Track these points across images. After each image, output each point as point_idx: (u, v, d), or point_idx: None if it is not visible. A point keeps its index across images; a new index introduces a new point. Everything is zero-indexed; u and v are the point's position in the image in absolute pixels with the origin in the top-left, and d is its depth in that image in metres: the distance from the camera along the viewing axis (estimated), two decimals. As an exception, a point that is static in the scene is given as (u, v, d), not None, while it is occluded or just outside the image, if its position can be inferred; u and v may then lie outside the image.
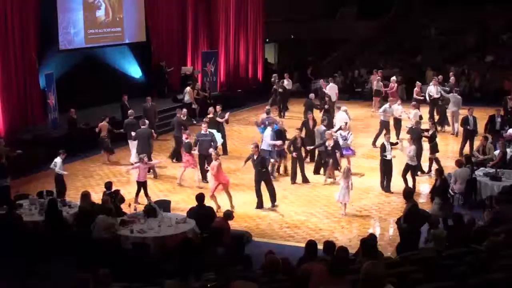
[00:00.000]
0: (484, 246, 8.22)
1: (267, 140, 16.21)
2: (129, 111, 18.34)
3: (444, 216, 11.88)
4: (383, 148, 15.07)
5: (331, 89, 23.19)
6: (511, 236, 8.58)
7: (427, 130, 16.78)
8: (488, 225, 10.06)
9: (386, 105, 19.85)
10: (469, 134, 18.00)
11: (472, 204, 13.82)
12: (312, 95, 21.51)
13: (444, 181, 12.83)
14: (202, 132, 16.22)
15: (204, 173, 15.83)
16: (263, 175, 14.15)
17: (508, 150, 15.59)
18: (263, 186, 14.16)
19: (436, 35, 31.67)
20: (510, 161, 15.30)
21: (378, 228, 13.34)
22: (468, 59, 29.36)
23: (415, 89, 22.43)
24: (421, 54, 30.59)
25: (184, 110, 18.89)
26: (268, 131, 16.37)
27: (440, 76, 23.53)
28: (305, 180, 15.97)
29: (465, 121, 18.14)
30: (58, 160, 14.57)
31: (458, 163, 14.27)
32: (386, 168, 15.11)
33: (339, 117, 18.51)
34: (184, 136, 16.36)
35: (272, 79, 25.32)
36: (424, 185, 15.76)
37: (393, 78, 24.69)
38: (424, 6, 33.45)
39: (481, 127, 18.73)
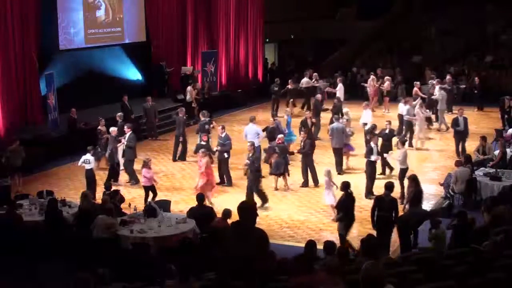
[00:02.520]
0: (484, 246, 8.22)
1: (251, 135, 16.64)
2: (118, 114, 17.99)
3: (344, 231, 11.62)
4: (370, 151, 14.90)
5: (339, 90, 23.33)
6: (510, 236, 8.58)
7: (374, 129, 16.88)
8: (488, 225, 10.06)
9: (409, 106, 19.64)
10: (459, 135, 17.77)
11: (472, 204, 13.81)
12: (319, 96, 21.49)
13: (348, 196, 11.85)
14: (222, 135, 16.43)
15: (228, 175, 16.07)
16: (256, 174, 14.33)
17: (508, 150, 15.60)
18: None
19: (436, 35, 31.67)
20: (510, 161, 15.31)
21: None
22: (468, 59, 29.36)
23: (414, 88, 22.39)
24: (421, 54, 30.58)
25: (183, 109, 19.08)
26: (252, 127, 16.78)
27: (437, 79, 23.62)
28: (315, 181, 15.86)
29: (455, 122, 17.91)
30: (89, 157, 14.75)
31: (458, 163, 14.27)
32: (371, 170, 14.83)
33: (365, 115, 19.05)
34: (204, 138, 16.56)
35: (313, 80, 25.02)
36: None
37: (373, 77, 24.88)
38: (424, 6, 33.44)
39: (481, 127, 18.67)
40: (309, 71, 27.62)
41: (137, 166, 16.16)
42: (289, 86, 24.57)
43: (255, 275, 6.34)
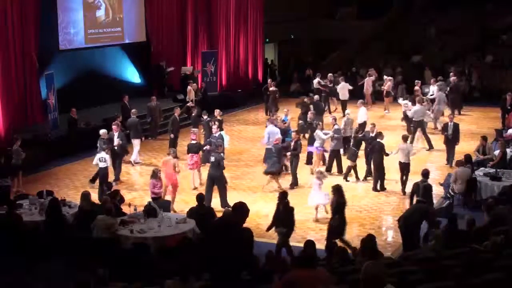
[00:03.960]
0: (484, 246, 8.23)
1: (272, 138, 16.18)
2: (133, 110, 18.34)
3: (283, 243, 11.33)
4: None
5: (343, 88, 23.39)
6: (510, 236, 8.58)
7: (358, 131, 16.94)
8: (488, 225, 10.07)
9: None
10: (448, 142, 17.13)
11: (472, 204, 13.81)
12: (316, 97, 21.56)
13: (286, 205, 11.59)
14: (214, 134, 16.30)
15: None
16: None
17: (508, 150, 15.60)
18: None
19: (436, 35, 31.68)
20: (510, 161, 15.30)
21: (378, 228, 13.34)
22: (468, 59, 29.36)
23: (416, 87, 22.35)
24: (421, 54, 30.57)
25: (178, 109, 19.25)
26: (272, 128, 16.38)
27: (439, 77, 23.62)
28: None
29: (444, 128, 17.38)
30: (105, 155, 14.87)
31: (459, 163, 14.28)
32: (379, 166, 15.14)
33: (361, 113, 19.11)
34: (192, 137, 16.18)
35: (326, 80, 24.68)
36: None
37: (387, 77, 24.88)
38: (424, 6, 33.43)
39: (481, 127, 18.52)
40: (310, 71, 27.62)
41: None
42: (271, 88, 23.88)
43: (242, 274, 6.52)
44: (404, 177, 15.06)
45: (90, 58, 22.11)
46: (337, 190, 11.77)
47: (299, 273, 5.94)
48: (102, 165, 14.82)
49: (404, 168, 15.04)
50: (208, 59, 26.06)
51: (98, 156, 14.96)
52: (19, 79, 18.69)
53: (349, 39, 32.31)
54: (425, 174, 12.56)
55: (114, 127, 16.45)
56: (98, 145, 15.61)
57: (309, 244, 9.17)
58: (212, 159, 14.22)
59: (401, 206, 13.97)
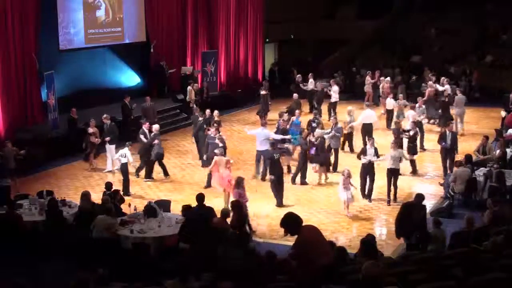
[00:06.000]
0: (485, 246, 8.24)
1: (263, 139, 16.09)
2: (104, 115, 17.76)
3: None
4: (362, 152, 14.79)
5: (334, 92, 23.51)
6: (510, 236, 8.58)
7: (408, 131, 16.81)
8: (488, 225, 10.08)
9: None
10: (445, 152, 16.17)
11: (472, 204, 13.81)
12: (295, 95, 21.89)
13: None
14: (211, 135, 16.15)
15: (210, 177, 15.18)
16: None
17: (508, 150, 15.59)
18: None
19: (436, 35, 31.67)
20: (510, 161, 15.30)
21: (378, 228, 13.36)
22: (468, 59, 29.36)
23: (429, 89, 22.31)
24: (421, 54, 30.58)
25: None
26: (262, 130, 16.35)
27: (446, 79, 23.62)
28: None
29: (442, 137, 16.26)
30: (127, 151, 15.03)
31: (458, 163, 14.27)
32: (366, 172, 14.63)
33: (366, 114, 18.90)
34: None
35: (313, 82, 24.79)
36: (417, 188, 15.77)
37: (388, 78, 24.84)
38: (424, 6, 33.42)
39: (481, 127, 18.46)
40: (297, 74, 27.43)
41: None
42: (262, 92, 23.55)
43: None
44: (393, 185, 14.51)
45: (90, 58, 22.11)
46: (235, 207, 11.46)
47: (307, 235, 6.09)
48: (123, 160, 15.06)
49: (393, 174, 14.48)
50: (208, 59, 26.06)
51: (120, 151, 15.16)
52: (19, 79, 18.70)
53: (349, 39, 32.31)
54: (502, 159, 13.74)
55: (147, 126, 16.65)
56: (152, 139, 16.02)
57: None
58: (276, 156, 14.43)
59: (399, 206, 13.93)
